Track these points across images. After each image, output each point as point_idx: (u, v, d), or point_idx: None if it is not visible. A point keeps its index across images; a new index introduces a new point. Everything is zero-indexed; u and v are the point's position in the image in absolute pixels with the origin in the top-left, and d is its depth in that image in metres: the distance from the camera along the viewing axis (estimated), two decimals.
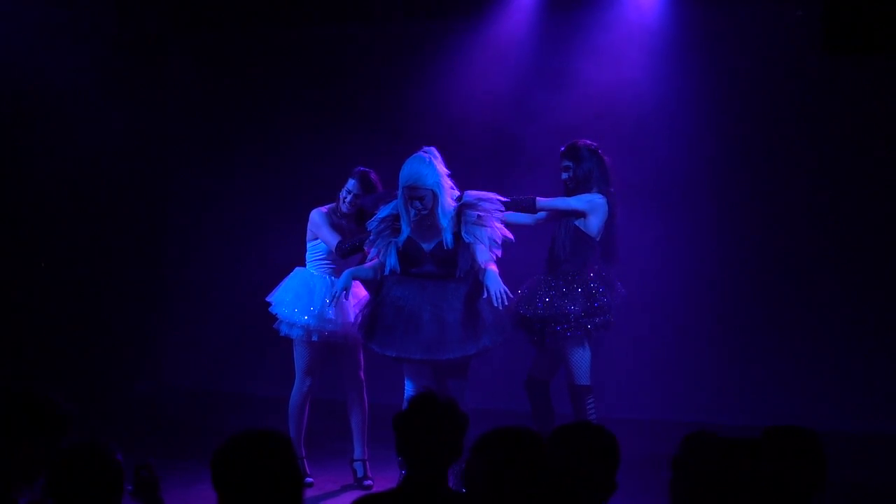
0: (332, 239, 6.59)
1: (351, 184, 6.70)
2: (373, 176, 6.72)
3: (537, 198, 6.37)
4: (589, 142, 6.47)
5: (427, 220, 6.10)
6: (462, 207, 6.12)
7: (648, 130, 8.40)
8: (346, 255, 6.56)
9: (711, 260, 8.32)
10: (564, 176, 6.44)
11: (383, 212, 6.28)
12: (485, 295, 5.93)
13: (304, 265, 6.85)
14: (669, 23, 8.38)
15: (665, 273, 8.29)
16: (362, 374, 6.85)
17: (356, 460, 6.80)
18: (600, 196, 6.36)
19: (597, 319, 6.31)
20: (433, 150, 6.16)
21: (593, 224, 6.36)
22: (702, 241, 8.32)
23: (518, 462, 2.88)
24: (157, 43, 9.59)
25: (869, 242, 8.10)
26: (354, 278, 6.31)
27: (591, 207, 6.35)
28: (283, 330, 6.74)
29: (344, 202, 6.71)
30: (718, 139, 8.35)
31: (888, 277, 8.08)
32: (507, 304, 5.91)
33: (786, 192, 8.28)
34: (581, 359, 6.35)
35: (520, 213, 6.38)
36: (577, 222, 6.38)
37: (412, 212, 6.07)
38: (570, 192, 6.44)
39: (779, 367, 8.25)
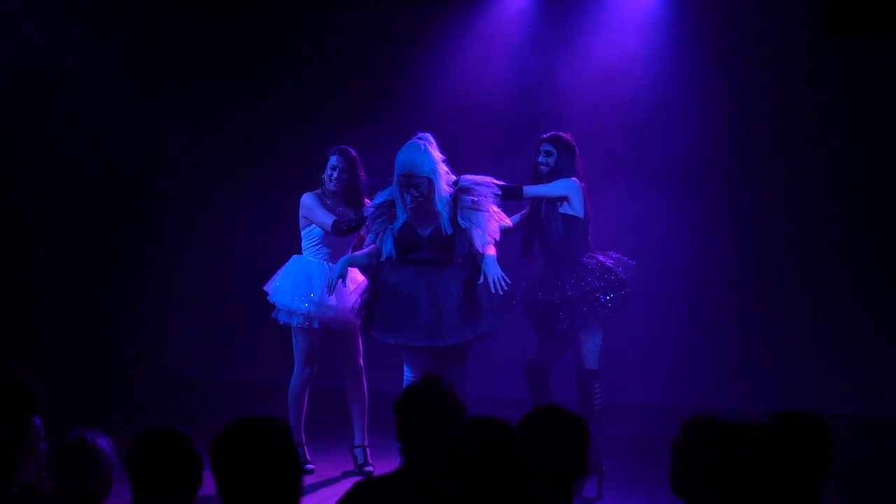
0: (327, 219, 6.58)
1: (334, 160, 6.71)
2: (351, 150, 6.74)
3: (524, 186, 6.41)
4: (570, 138, 6.54)
5: (424, 206, 6.08)
6: (458, 192, 6.11)
7: (647, 117, 8.36)
8: (342, 234, 6.53)
9: (713, 245, 8.29)
10: (542, 160, 6.48)
11: (379, 198, 6.28)
12: (481, 280, 5.94)
13: (301, 253, 6.85)
14: (669, 7, 8.36)
15: (666, 258, 8.26)
16: (361, 361, 6.85)
17: (356, 447, 6.80)
18: (573, 180, 6.44)
19: (620, 293, 6.35)
20: (428, 136, 6.14)
21: (577, 205, 6.43)
22: (702, 227, 8.30)
23: (495, 454, 2.87)
24: (151, 32, 9.55)
25: (873, 228, 8.09)
26: (350, 265, 6.31)
27: (569, 190, 6.42)
28: (283, 318, 6.72)
29: (331, 180, 6.70)
30: (723, 126, 8.32)
31: (894, 262, 8.07)
32: (504, 289, 5.91)
33: (787, 177, 8.25)
34: (595, 342, 6.39)
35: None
36: (562, 209, 6.43)
37: (408, 199, 6.06)
38: (540, 178, 6.51)
39: (781, 350, 8.23)
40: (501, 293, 5.91)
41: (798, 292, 8.23)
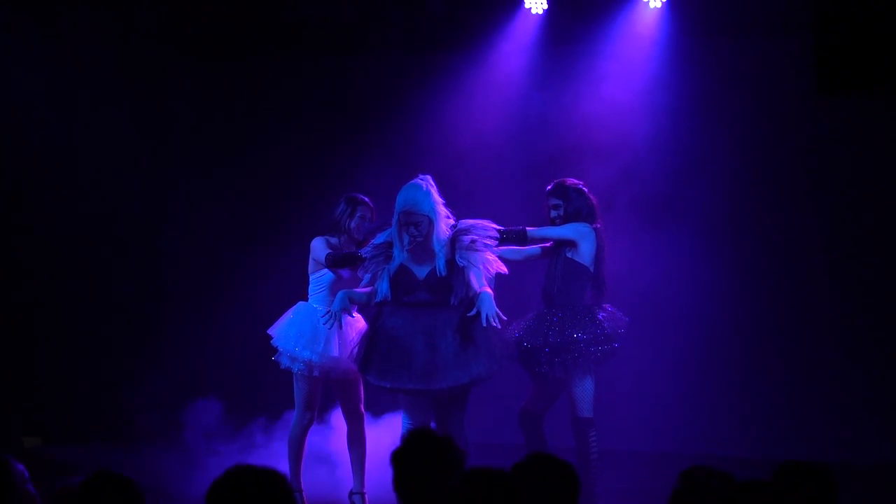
0: (324, 252, 6.60)
1: (366, 212, 6.73)
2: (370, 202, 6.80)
3: (527, 228, 6.41)
4: (575, 181, 6.55)
5: (421, 246, 6.10)
6: (456, 234, 6.14)
7: (645, 160, 8.41)
8: (333, 265, 6.53)
9: (713, 290, 8.31)
10: (553, 214, 6.50)
11: (378, 239, 6.31)
12: (472, 312, 5.94)
13: (306, 299, 6.87)
14: (667, 54, 8.43)
15: (663, 301, 8.28)
16: (363, 408, 6.86)
17: (355, 493, 6.80)
18: (586, 225, 6.41)
19: (604, 347, 6.34)
20: (429, 177, 6.19)
21: (585, 253, 6.41)
22: (703, 271, 8.31)
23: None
24: (159, 71, 9.62)
25: (878, 268, 8.11)
26: (350, 299, 6.25)
27: (580, 235, 6.40)
28: (284, 363, 6.73)
29: (359, 229, 6.71)
30: (718, 167, 8.37)
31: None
32: (499, 326, 5.93)
33: (788, 223, 8.30)
34: (585, 390, 6.38)
35: (510, 248, 6.42)
36: (568, 254, 6.42)
37: (406, 238, 6.08)
38: None
39: (780, 397, 8.23)
40: (495, 326, 5.90)
41: (797, 338, 8.24)
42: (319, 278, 6.78)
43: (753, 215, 8.34)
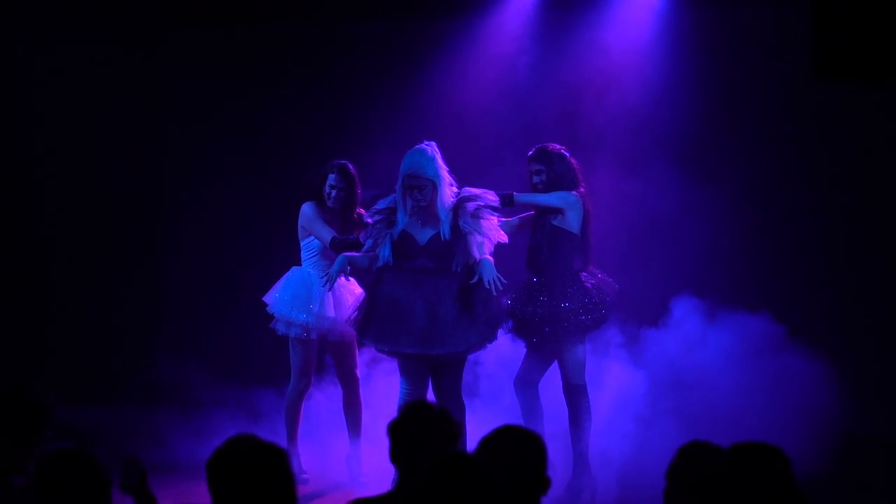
0: (326, 234, 6.60)
1: (332, 178, 6.70)
2: (351, 167, 6.75)
3: (514, 193, 6.44)
4: (558, 146, 6.54)
5: (425, 211, 6.14)
6: (460, 201, 6.17)
7: (640, 131, 8.43)
8: (339, 250, 6.57)
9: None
10: (536, 179, 6.50)
11: (381, 204, 6.33)
12: (474, 280, 5.99)
13: (300, 264, 6.90)
14: (667, 23, 8.43)
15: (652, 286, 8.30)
16: (358, 372, 6.91)
17: (351, 457, 6.87)
18: (573, 194, 6.42)
19: (593, 315, 6.38)
20: (434, 144, 6.22)
21: (572, 220, 6.42)
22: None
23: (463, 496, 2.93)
24: (154, 39, 9.58)
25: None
26: (350, 263, 6.30)
27: (567, 204, 6.40)
28: (281, 329, 6.77)
29: (329, 198, 6.72)
30: (713, 147, 8.41)
31: None
32: (501, 288, 5.97)
33: (783, 197, 8.34)
34: (577, 358, 6.41)
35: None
36: (554, 221, 6.43)
37: (410, 202, 6.12)
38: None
39: None
40: (497, 289, 5.96)
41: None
42: (309, 243, 6.80)
43: (755, 191, 8.38)
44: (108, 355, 9.16)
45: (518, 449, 3.31)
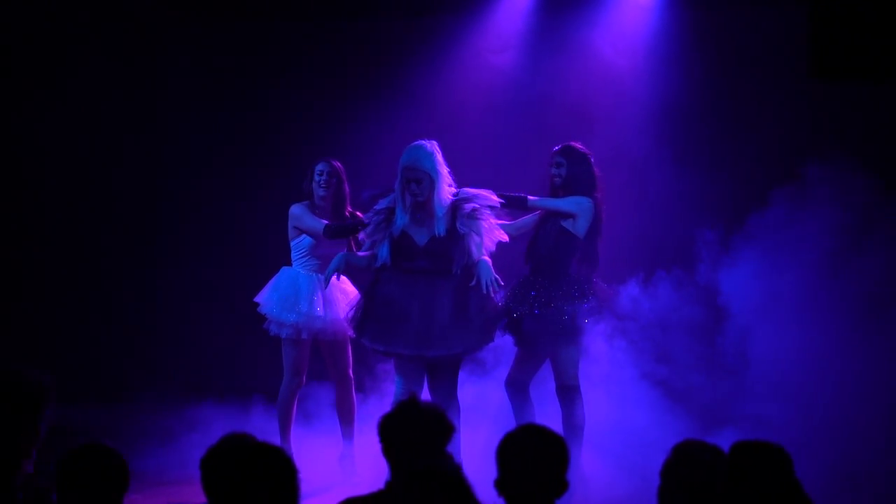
0: (318, 224, 6.61)
1: (320, 166, 6.78)
2: (337, 163, 6.81)
3: (528, 196, 6.42)
4: (585, 149, 6.55)
5: (423, 211, 6.14)
6: (458, 201, 6.18)
7: (638, 132, 8.44)
8: (333, 236, 6.56)
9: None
10: (554, 172, 6.49)
11: (381, 204, 6.34)
12: (473, 282, 5.99)
13: (291, 265, 6.89)
14: (664, 24, 8.43)
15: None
16: (351, 372, 6.92)
17: (344, 455, 6.85)
18: (588, 199, 6.43)
19: (588, 318, 6.37)
20: (434, 142, 6.24)
21: (581, 226, 6.43)
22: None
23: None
24: (152, 36, 9.59)
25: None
26: (348, 262, 6.34)
27: (580, 209, 6.41)
28: (273, 329, 6.80)
29: (320, 185, 6.75)
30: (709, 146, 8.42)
31: None
32: (497, 291, 6.00)
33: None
34: (570, 359, 6.41)
35: (505, 223, 6.41)
36: (564, 223, 6.43)
37: (408, 198, 6.12)
38: (556, 190, 6.51)
39: None
40: (494, 291, 5.98)
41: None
42: (299, 243, 6.83)
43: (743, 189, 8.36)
44: (108, 355, 9.16)
45: (542, 450, 3.30)
